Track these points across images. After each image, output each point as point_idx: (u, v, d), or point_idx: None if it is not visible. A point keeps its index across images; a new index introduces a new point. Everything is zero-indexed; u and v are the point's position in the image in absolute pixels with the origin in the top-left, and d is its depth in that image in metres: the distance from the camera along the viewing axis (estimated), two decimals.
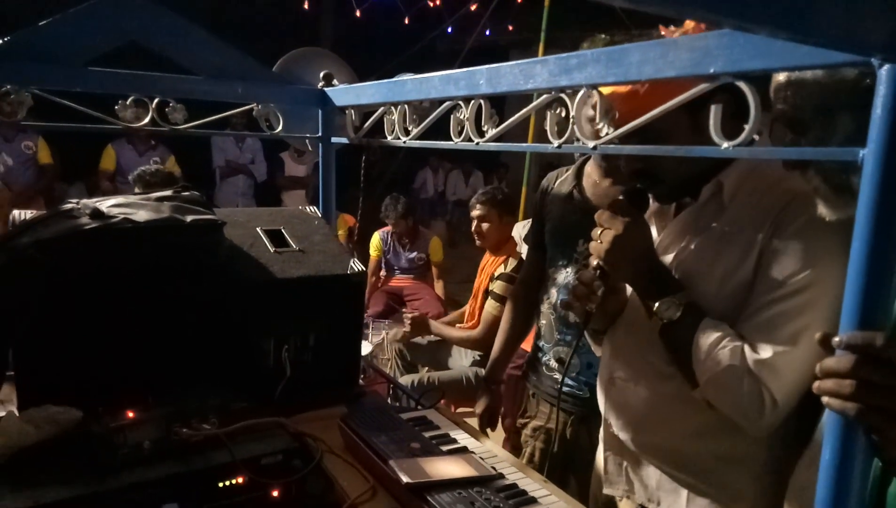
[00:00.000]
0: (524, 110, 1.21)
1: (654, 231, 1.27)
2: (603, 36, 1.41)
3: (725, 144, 0.85)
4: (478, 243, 3.33)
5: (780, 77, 0.96)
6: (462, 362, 3.39)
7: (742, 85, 0.81)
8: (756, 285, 1.11)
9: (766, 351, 1.06)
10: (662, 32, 1.09)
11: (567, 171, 2.00)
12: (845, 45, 0.68)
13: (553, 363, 1.91)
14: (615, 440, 1.36)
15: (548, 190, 2.02)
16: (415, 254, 4.91)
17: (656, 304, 1.15)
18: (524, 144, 1.31)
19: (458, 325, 3.47)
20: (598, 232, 1.21)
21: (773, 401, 1.06)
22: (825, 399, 0.74)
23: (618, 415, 1.33)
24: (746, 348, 1.08)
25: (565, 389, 1.84)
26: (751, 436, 1.14)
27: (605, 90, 1.03)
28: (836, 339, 0.73)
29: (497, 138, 1.27)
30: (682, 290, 1.15)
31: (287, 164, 6.16)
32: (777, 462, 1.19)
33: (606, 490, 1.40)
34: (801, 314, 1.05)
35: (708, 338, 1.10)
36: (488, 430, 2.29)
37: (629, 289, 1.28)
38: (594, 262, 1.21)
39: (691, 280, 1.17)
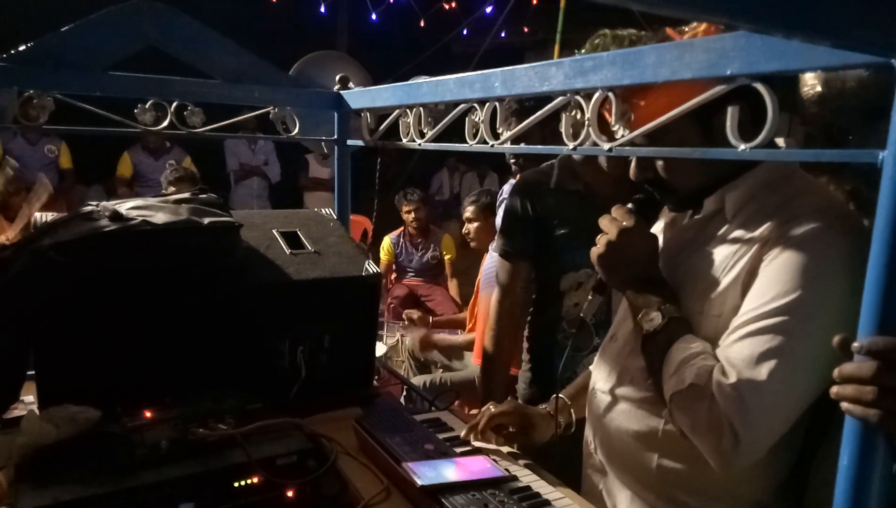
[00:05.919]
0: (539, 113, 1.21)
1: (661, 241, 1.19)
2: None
3: (742, 147, 0.84)
4: (472, 245, 3.51)
5: (817, 86, 0.93)
6: (470, 359, 3.37)
7: (759, 87, 0.80)
8: (741, 307, 1.01)
9: (731, 376, 0.94)
10: (668, 32, 1.08)
11: (551, 169, 1.82)
12: (864, 46, 0.68)
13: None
14: (591, 457, 1.29)
15: (535, 194, 1.82)
16: (428, 254, 4.88)
17: (640, 313, 1.08)
18: (538, 147, 1.30)
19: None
20: (599, 236, 1.16)
21: (733, 435, 0.92)
22: (845, 406, 0.73)
23: (595, 430, 1.26)
24: (716, 370, 0.96)
25: None
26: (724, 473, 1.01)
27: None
28: (856, 344, 0.72)
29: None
30: (672, 303, 1.07)
31: (311, 165, 6.21)
32: (756, 502, 1.08)
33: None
34: (776, 339, 0.93)
35: (681, 353, 1.00)
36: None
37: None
38: None
39: (681, 297, 1.10)
